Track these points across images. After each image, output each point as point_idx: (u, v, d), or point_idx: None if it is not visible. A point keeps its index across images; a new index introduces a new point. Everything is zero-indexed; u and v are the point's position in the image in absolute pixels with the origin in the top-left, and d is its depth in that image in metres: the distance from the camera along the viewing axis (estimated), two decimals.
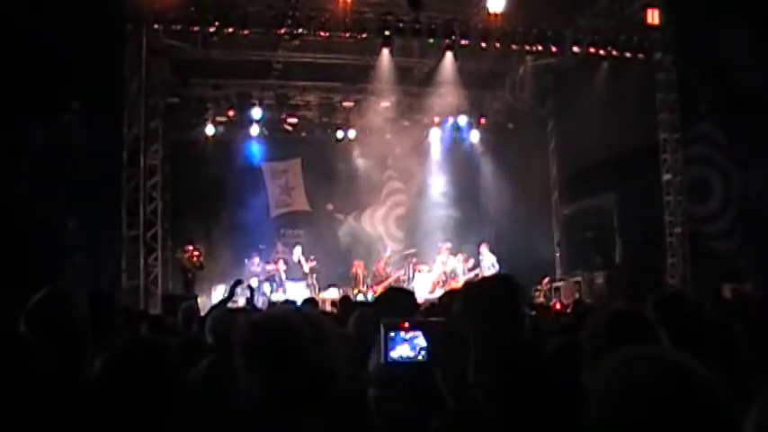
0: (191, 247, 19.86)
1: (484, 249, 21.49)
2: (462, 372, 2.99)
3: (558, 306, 12.44)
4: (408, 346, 2.99)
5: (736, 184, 18.31)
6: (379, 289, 20.95)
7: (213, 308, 8.41)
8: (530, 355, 3.20)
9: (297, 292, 19.57)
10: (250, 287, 12.12)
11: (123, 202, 17.23)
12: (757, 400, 1.61)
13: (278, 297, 18.99)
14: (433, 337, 3.01)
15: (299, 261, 21.28)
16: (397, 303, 4.21)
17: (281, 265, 21.24)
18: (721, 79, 17.65)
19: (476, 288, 3.70)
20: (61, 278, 15.78)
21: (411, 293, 4.93)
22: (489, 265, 21.07)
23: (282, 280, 21.12)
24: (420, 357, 2.99)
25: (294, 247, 21.80)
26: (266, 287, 20.77)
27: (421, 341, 3.01)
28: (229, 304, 9.08)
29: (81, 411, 2.59)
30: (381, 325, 3.00)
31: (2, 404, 2.43)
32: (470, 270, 21.03)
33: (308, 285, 21.07)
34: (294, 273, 21.18)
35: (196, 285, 19.64)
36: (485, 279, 4.22)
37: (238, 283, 10.34)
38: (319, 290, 20.89)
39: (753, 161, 17.59)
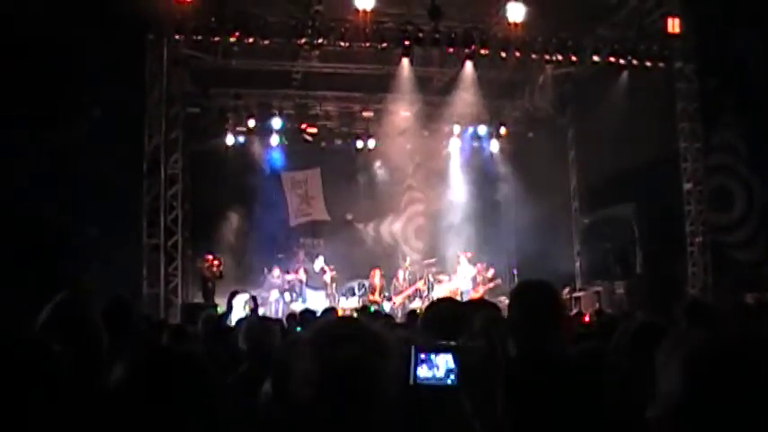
0: (210, 257, 19.91)
1: (463, 259, 21.52)
2: (491, 398, 2.97)
3: (587, 318, 12.35)
4: (437, 368, 2.94)
5: (758, 193, 18.19)
6: (399, 299, 20.98)
7: (215, 323, 8.41)
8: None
9: (317, 301, 19.60)
10: (254, 298, 12.04)
11: (144, 212, 17.32)
12: None
13: (297, 306, 18.97)
14: (462, 360, 2.98)
15: (322, 270, 21.30)
16: (445, 314, 4.09)
17: (302, 274, 21.26)
18: (742, 88, 17.56)
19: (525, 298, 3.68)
20: (75, 285, 15.82)
21: (460, 303, 4.80)
22: (464, 275, 21.10)
23: (303, 289, 21.16)
24: (449, 381, 2.94)
25: (317, 257, 21.81)
26: (287, 296, 20.80)
27: (450, 362, 2.97)
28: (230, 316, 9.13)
29: (106, 419, 2.59)
30: (412, 345, 2.94)
31: (27, 407, 2.43)
32: (490, 280, 20.98)
33: (327, 295, 21.08)
34: (314, 282, 21.19)
35: (216, 295, 19.64)
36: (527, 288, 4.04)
37: (234, 294, 10.31)
38: (338, 299, 20.91)
39: None
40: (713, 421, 1.74)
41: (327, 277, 21.23)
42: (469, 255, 21.66)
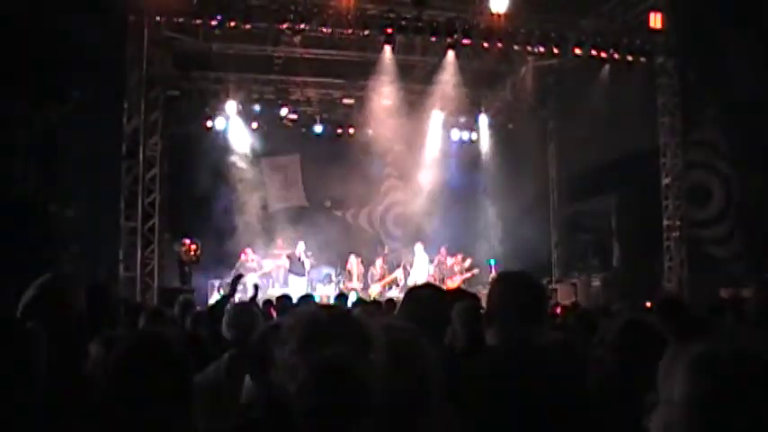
0: (188, 241, 19.82)
1: (418, 249, 21.60)
2: None
3: (557, 310, 12.40)
4: None
5: (736, 189, 18.33)
6: (376, 287, 20.98)
7: (217, 304, 8.36)
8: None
9: (299, 287, 19.59)
10: (256, 285, 11.93)
11: (122, 194, 17.22)
12: None
13: (274, 292, 18.93)
14: None
15: (301, 256, 21.27)
16: (427, 302, 4.01)
17: (284, 260, 21.23)
18: (723, 85, 17.67)
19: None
20: (58, 267, 15.73)
21: (441, 289, 4.67)
22: (421, 265, 21.17)
23: (285, 274, 21.15)
24: None
25: (298, 242, 21.75)
26: (264, 281, 20.76)
27: None
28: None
29: (91, 402, 2.57)
30: None
31: (8, 391, 2.41)
32: (468, 270, 21.03)
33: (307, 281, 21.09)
34: (297, 267, 21.17)
35: (192, 278, 19.59)
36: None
37: (239, 277, 10.23)
38: (315, 286, 20.90)
39: (753, 167, 17.61)
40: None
41: (307, 264, 21.20)
42: (447, 245, 21.66)
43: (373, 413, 2.18)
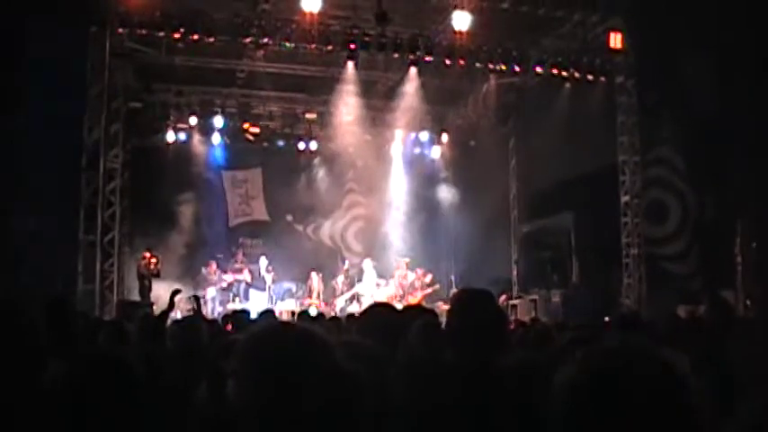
0: (148, 254, 19.71)
1: (367, 265, 21.69)
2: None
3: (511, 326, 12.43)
4: None
5: (693, 207, 18.57)
6: (338, 302, 20.97)
7: (158, 319, 8.33)
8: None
9: (261, 302, 19.53)
10: (196, 297, 11.80)
11: (81, 206, 17.05)
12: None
13: (235, 306, 18.86)
14: None
15: (264, 271, 21.22)
16: (382, 320, 4.09)
17: (246, 275, 21.18)
18: (680, 105, 17.93)
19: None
20: (16, 280, 15.59)
21: (397, 310, 4.76)
22: (370, 281, 21.26)
23: (247, 289, 21.09)
24: None
25: (260, 257, 21.69)
26: (224, 296, 20.72)
27: None
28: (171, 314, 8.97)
29: (42, 420, 2.57)
30: None
31: None
32: (428, 285, 21.09)
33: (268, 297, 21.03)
34: (258, 282, 21.12)
35: (152, 293, 19.44)
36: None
37: (177, 292, 10.12)
38: (276, 301, 20.83)
39: (709, 185, 17.88)
40: None
41: (269, 279, 21.15)
42: (407, 260, 21.71)
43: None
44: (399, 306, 5.61)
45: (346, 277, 21.91)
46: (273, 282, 21.25)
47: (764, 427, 1.37)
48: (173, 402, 4.00)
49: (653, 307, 18.10)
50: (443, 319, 4.25)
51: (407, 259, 21.82)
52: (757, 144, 16.31)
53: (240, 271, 21.39)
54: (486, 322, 3.44)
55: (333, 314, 16.92)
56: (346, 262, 23.01)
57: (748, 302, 17.33)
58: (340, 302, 20.94)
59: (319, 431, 2.15)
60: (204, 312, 15.99)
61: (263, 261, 21.30)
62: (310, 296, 21.18)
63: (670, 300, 16.86)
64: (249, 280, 21.20)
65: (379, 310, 4.33)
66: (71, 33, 16.83)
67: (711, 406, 1.84)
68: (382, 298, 20.65)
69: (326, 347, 2.27)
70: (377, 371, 2.68)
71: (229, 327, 9.30)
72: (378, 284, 21.44)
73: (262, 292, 21.01)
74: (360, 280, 21.80)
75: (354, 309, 19.33)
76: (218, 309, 19.82)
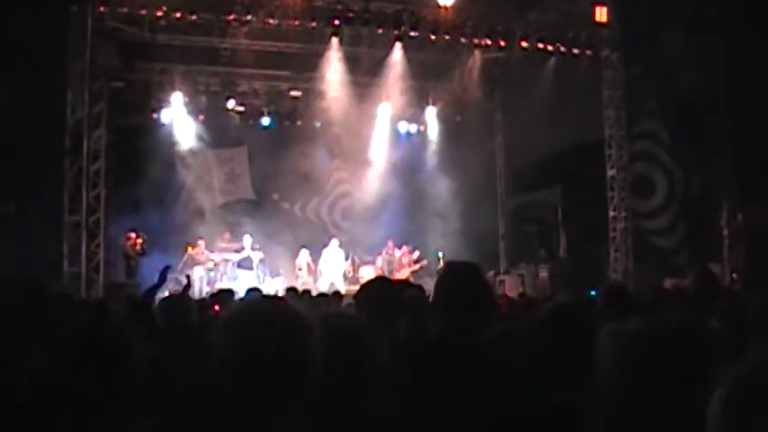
0: (133, 234, 19.62)
1: (333, 243, 21.84)
2: None
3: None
4: None
5: (678, 181, 18.61)
6: (325, 278, 20.97)
7: (145, 295, 8.28)
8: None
9: (248, 281, 19.48)
10: (188, 276, 11.75)
11: (65, 188, 16.94)
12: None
13: (222, 285, 18.80)
14: None
15: (249, 250, 21.17)
16: (385, 295, 4.08)
17: (233, 254, 21.14)
18: (665, 78, 17.93)
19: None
20: None
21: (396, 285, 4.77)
22: (334, 261, 21.31)
23: (232, 268, 21.06)
24: None
25: (244, 235, 21.62)
26: (211, 275, 20.67)
27: None
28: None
29: (25, 403, 2.52)
30: None
31: None
32: (415, 262, 21.12)
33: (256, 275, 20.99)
34: (245, 261, 21.09)
35: (139, 273, 19.37)
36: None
37: (167, 269, 10.06)
38: (264, 279, 20.79)
39: (694, 159, 17.92)
40: (647, 402, 1.78)
41: (255, 256, 21.11)
42: (394, 238, 21.72)
43: (309, 394, 2.20)
44: None
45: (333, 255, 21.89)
46: (261, 260, 21.20)
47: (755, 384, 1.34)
48: (156, 379, 3.97)
49: (639, 280, 18.16)
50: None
51: (394, 236, 21.84)
52: (742, 116, 16.35)
53: (228, 250, 21.33)
54: (473, 295, 3.41)
55: (320, 291, 16.89)
56: (334, 240, 22.95)
57: (734, 275, 17.44)
58: (326, 279, 20.92)
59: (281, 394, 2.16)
60: (190, 291, 15.91)
61: (248, 239, 21.23)
62: (299, 274, 21.14)
63: (656, 273, 16.94)
64: (237, 259, 21.15)
65: (378, 284, 4.33)
66: (51, 13, 16.67)
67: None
68: (371, 275, 20.71)
69: (300, 318, 2.27)
70: (358, 340, 2.68)
71: (215, 306, 9.26)
72: (352, 266, 21.55)
73: (249, 270, 20.97)
74: (347, 258, 21.82)
75: (341, 286, 19.35)
76: (206, 288, 19.74)
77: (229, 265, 21.20)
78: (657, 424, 1.80)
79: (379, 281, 4.61)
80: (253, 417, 2.16)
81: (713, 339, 1.83)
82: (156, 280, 7.53)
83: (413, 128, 25.14)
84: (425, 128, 25.00)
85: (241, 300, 8.85)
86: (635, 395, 1.81)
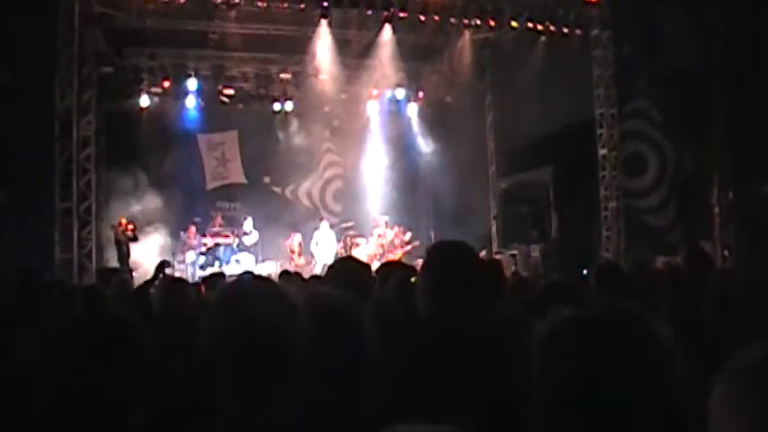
0: (124, 221, 19.59)
1: (324, 226, 21.84)
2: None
3: None
4: None
5: (670, 159, 18.65)
6: (318, 261, 20.99)
7: (139, 289, 8.30)
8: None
9: (247, 264, 19.59)
10: (162, 263, 11.45)
11: (56, 175, 16.89)
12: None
13: (213, 270, 18.82)
14: None
15: (243, 234, 21.25)
16: (353, 275, 4.17)
17: (225, 239, 21.21)
18: (656, 57, 17.93)
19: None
20: None
21: (367, 265, 4.86)
22: (325, 243, 21.34)
23: (227, 252, 21.13)
24: None
25: (244, 219, 21.65)
26: (203, 260, 20.71)
27: None
28: None
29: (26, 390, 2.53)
30: None
31: None
32: (407, 243, 21.14)
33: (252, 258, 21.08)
34: (241, 245, 21.20)
35: (131, 258, 19.36)
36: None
37: (165, 263, 10.07)
38: (258, 262, 20.85)
39: (686, 137, 17.95)
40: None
41: (252, 240, 21.19)
42: (386, 218, 21.76)
43: (298, 372, 2.22)
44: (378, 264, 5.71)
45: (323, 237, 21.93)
46: (253, 244, 21.26)
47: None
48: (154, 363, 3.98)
49: (631, 259, 18.21)
50: None
51: (386, 217, 21.87)
52: (733, 94, 16.37)
53: (220, 234, 21.35)
54: (463, 275, 3.39)
55: (314, 273, 16.89)
56: (325, 222, 22.95)
57: (726, 253, 17.51)
58: (319, 262, 20.95)
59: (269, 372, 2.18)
60: (183, 276, 15.95)
61: (248, 222, 21.33)
62: (291, 257, 21.16)
63: (649, 252, 16.99)
64: (231, 242, 21.20)
65: (348, 263, 4.43)
66: None
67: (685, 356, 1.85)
68: (364, 258, 20.72)
69: (285, 297, 2.29)
70: (348, 319, 2.71)
71: (202, 288, 9.26)
72: (345, 248, 21.58)
73: (244, 253, 21.04)
74: (338, 240, 21.85)
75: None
76: (199, 273, 19.75)
77: (221, 249, 21.22)
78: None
79: (346, 260, 4.74)
80: (241, 394, 2.18)
81: (640, 330, 1.82)
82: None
83: (403, 110, 25.05)
84: (416, 110, 24.94)
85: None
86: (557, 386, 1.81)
